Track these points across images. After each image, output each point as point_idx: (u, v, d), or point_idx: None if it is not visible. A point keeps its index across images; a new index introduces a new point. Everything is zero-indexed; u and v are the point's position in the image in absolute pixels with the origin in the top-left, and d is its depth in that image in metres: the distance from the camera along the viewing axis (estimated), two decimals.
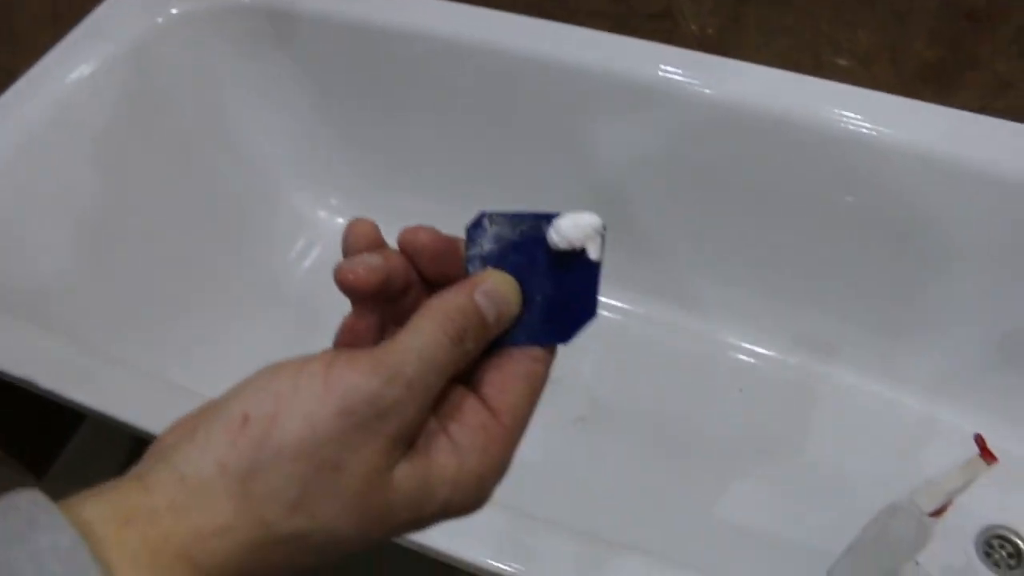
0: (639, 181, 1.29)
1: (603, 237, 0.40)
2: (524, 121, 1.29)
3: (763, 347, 1.35)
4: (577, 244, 0.39)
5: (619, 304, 1.40)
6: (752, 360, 1.35)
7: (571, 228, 0.39)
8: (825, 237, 1.22)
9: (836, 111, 1.10)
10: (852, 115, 1.09)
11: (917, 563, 1.13)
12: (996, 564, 1.15)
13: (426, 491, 0.35)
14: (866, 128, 1.09)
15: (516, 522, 0.82)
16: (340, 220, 1.50)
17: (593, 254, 0.40)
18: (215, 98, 1.35)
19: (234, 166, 1.41)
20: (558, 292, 0.40)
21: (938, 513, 0.90)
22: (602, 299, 1.38)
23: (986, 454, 0.86)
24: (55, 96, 1.17)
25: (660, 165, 1.25)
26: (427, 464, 0.35)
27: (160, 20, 1.26)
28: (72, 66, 1.19)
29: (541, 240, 0.40)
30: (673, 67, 1.15)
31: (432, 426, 0.36)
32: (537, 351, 0.39)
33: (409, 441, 0.35)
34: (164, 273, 1.29)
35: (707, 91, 1.14)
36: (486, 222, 0.40)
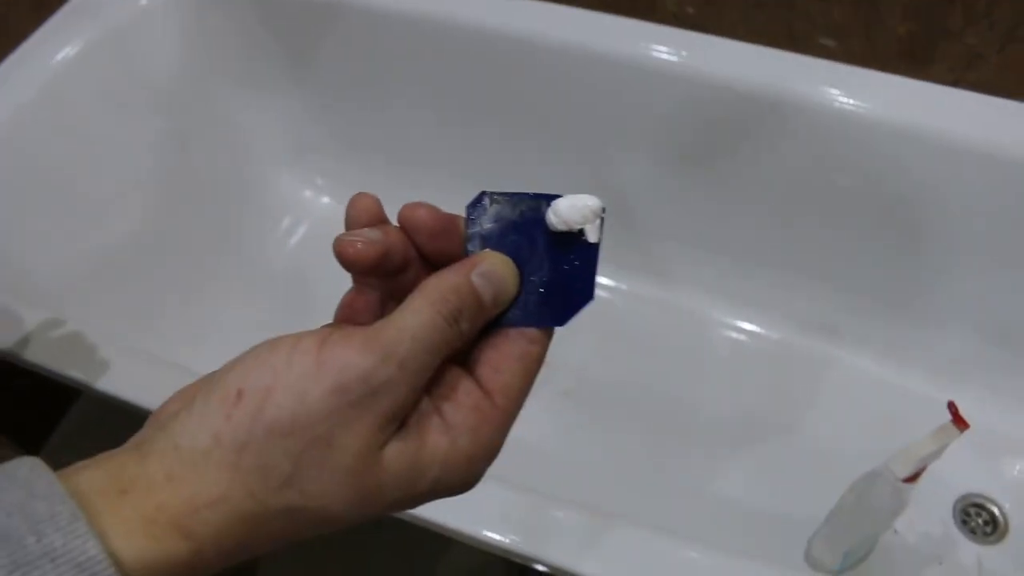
0: (627, 160, 1.30)
1: (602, 220, 0.40)
2: (510, 100, 1.30)
3: (747, 322, 1.37)
4: (575, 226, 0.39)
5: (606, 281, 1.41)
6: (736, 335, 1.36)
7: (569, 210, 0.39)
8: (809, 212, 1.24)
9: (822, 88, 1.11)
10: (837, 92, 1.10)
11: (896, 531, 1.15)
12: (972, 532, 1.17)
13: (417, 470, 0.35)
14: (854, 105, 1.10)
15: (513, 495, 0.84)
16: (325, 199, 1.50)
17: (592, 236, 0.39)
18: (199, 80, 1.36)
19: (219, 147, 1.41)
20: (556, 274, 0.40)
21: (912, 479, 0.92)
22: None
23: (958, 420, 0.88)
24: (40, 78, 1.17)
25: (648, 144, 1.26)
26: (418, 443, 0.35)
27: (144, 2, 1.27)
28: (56, 48, 1.19)
29: (540, 221, 0.40)
30: (660, 45, 1.16)
31: (425, 405, 0.36)
32: (533, 332, 0.39)
33: (401, 419, 0.35)
34: (151, 253, 1.29)
35: (694, 70, 1.15)
36: (486, 201, 0.40)
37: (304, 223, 1.48)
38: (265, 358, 0.35)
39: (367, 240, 0.37)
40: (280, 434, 0.33)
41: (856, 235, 1.23)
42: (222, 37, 1.34)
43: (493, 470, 0.38)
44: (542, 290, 0.40)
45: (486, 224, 0.40)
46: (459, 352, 0.38)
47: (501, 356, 0.38)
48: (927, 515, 1.17)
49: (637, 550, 0.81)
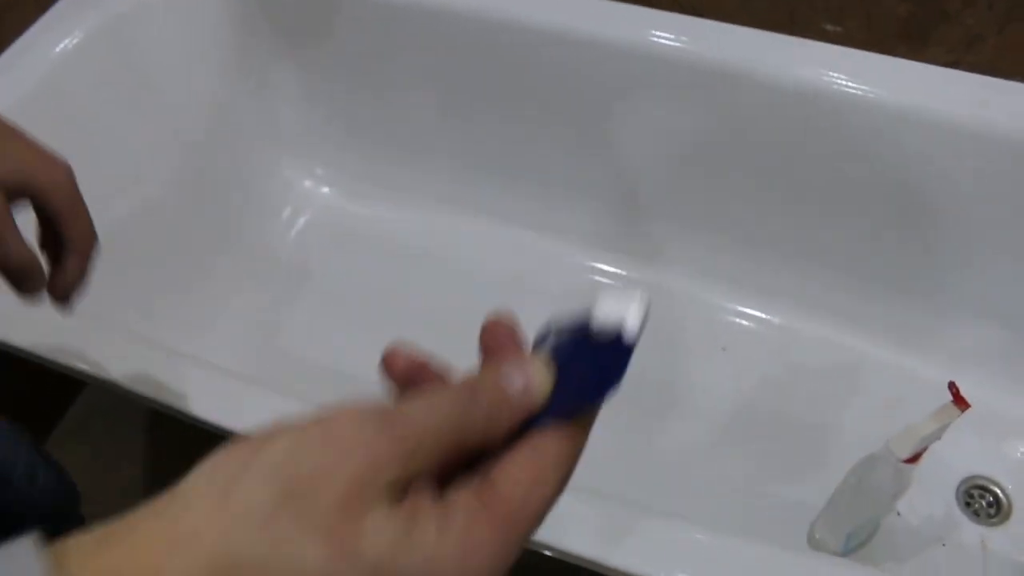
0: (631, 146, 1.30)
1: (645, 313, 0.39)
2: (512, 87, 1.30)
3: (749, 308, 1.37)
4: (617, 320, 0.38)
5: (606, 268, 1.42)
6: (739, 320, 1.37)
7: (612, 303, 0.39)
8: (811, 196, 1.24)
9: (826, 72, 1.11)
10: (841, 76, 1.11)
11: (899, 514, 1.15)
12: (976, 513, 1.18)
13: (401, 546, 0.32)
14: (858, 89, 1.10)
15: None
16: (325, 189, 1.50)
17: (630, 331, 0.39)
18: (200, 69, 1.36)
19: (219, 137, 1.41)
20: (590, 369, 0.38)
21: (913, 460, 0.92)
22: (592, 264, 1.40)
23: (959, 400, 0.88)
24: (41, 69, 1.17)
25: (652, 130, 1.27)
26: (407, 518, 0.32)
27: None
28: (58, 39, 1.19)
29: (586, 326, 0.39)
30: (662, 31, 1.16)
31: (424, 488, 0.34)
32: (555, 429, 0.36)
33: (392, 486, 0.33)
34: (152, 245, 1.29)
35: (697, 55, 1.15)
36: (551, 335, 0.40)
37: (305, 213, 1.49)
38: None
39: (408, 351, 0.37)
40: (268, 473, 0.32)
41: (859, 218, 1.24)
42: (222, 26, 1.35)
43: None
44: (575, 389, 0.38)
45: (547, 346, 0.40)
46: (480, 455, 0.36)
47: (514, 451, 0.35)
48: (930, 497, 1.18)
49: (643, 533, 0.81)
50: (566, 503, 0.82)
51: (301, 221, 1.48)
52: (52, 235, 0.67)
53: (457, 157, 1.44)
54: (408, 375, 0.38)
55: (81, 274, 0.68)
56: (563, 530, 0.81)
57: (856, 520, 1.05)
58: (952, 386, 0.89)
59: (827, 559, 1.01)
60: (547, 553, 0.82)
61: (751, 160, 1.24)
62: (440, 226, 1.47)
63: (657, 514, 0.82)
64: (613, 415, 1.34)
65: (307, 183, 1.51)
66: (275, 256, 1.45)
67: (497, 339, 0.39)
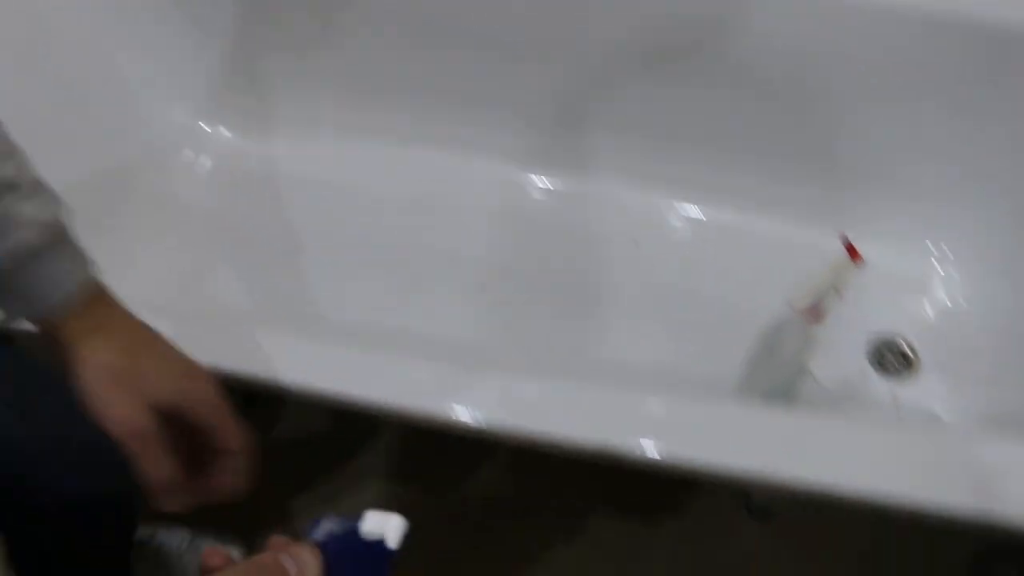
0: (543, 53, 1.31)
1: (402, 532, 0.50)
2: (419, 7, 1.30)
3: (655, 199, 1.39)
4: (379, 534, 0.50)
5: (508, 178, 1.43)
6: (644, 212, 1.38)
7: (375, 521, 0.50)
8: (713, 85, 1.27)
9: None
10: None
11: (814, 378, 1.19)
12: (887, 370, 1.22)
13: None
14: None
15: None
16: (223, 130, 1.48)
17: (391, 543, 0.50)
18: (86, 15, 1.32)
19: (109, 85, 1.38)
20: (362, 563, 0.50)
21: (816, 318, 0.95)
22: (502, 177, 1.40)
23: (852, 254, 0.91)
24: None
25: (561, 38, 1.28)
26: None
27: None
28: None
29: (356, 528, 0.51)
30: None
31: None
32: None
33: None
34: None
35: None
36: (322, 521, 0.51)
37: (205, 156, 1.45)
38: None
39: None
40: None
41: (756, 102, 1.27)
42: None
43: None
44: (348, 574, 0.49)
45: (317, 537, 0.50)
46: None
47: None
48: (842, 359, 1.22)
49: (596, 405, 0.84)
50: (524, 388, 0.83)
51: (205, 163, 1.45)
52: (195, 437, 0.68)
53: (376, 84, 1.42)
54: None
55: (244, 467, 0.69)
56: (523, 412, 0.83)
57: (769, 382, 1.08)
58: (844, 240, 0.92)
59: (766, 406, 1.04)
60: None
61: (651, 53, 1.25)
62: (359, 156, 1.45)
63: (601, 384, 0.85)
64: (532, 314, 1.35)
65: (202, 125, 1.48)
66: (181, 201, 1.42)
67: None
